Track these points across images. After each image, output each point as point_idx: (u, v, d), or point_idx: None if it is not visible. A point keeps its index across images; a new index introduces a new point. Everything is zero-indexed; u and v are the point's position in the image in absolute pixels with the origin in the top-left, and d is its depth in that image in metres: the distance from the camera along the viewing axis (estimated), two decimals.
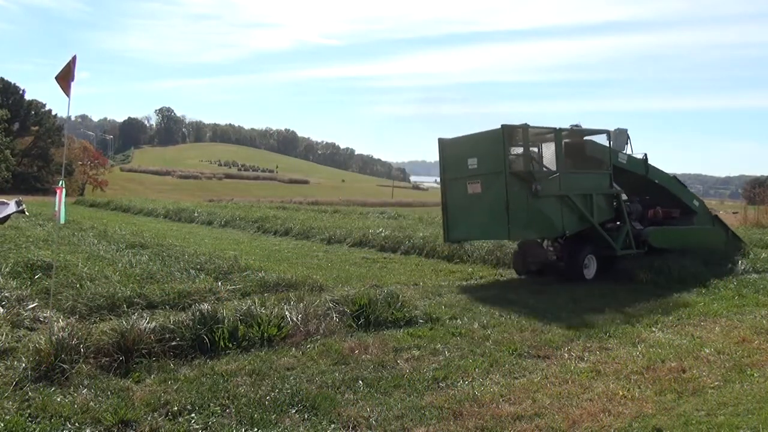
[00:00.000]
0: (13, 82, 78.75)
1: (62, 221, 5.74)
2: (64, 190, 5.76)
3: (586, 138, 10.80)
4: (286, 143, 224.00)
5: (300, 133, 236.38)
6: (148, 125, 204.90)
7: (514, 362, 5.61)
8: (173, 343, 5.57)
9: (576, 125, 10.73)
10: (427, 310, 7.33)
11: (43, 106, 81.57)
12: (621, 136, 11.42)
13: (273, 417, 4.29)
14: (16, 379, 4.68)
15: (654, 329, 6.85)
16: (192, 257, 10.46)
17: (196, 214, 24.26)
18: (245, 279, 8.69)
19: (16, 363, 5.00)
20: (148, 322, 5.68)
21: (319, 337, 6.19)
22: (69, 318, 6.20)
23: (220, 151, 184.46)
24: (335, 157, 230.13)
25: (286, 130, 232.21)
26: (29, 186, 68.73)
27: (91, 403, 4.34)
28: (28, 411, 4.21)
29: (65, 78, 5.66)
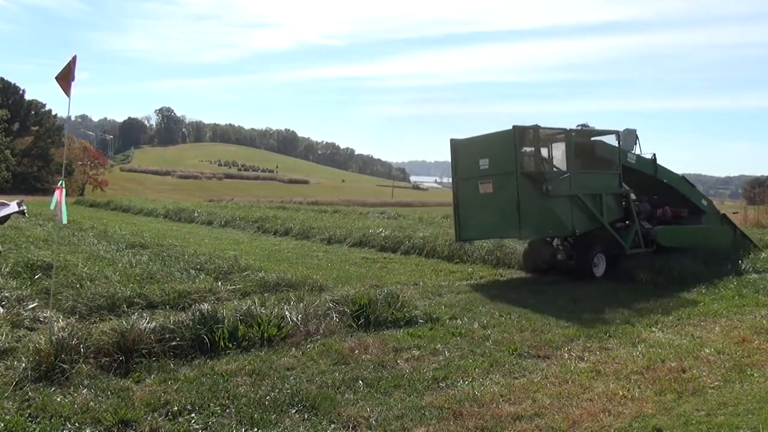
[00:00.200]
0: (13, 82, 78.90)
1: (64, 221, 5.75)
2: (64, 189, 5.76)
3: (595, 138, 10.89)
4: (286, 143, 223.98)
5: (300, 133, 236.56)
6: (148, 125, 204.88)
7: (514, 362, 5.60)
8: (173, 343, 5.56)
9: (584, 125, 10.84)
10: (427, 310, 7.33)
11: (43, 106, 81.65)
12: (630, 137, 11.53)
13: (273, 417, 4.29)
14: (16, 379, 4.68)
15: (654, 329, 6.85)
16: (192, 257, 10.46)
17: (196, 214, 24.26)
18: (245, 279, 8.69)
19: (16, 363, 5.00)
20: (148, 322, 5.68)
21: (319, 337, 6.20)
22: (69, 318, 6.19)
23: (220, 151, 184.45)
24: (335, 157, 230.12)
25: (286, 130, 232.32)
26: (29, 186, 68.76)
27: (91, 403, 4.34)
28: (28, 411, 4.21)
29: (65, 78, 5.66)
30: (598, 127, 11.04)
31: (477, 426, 4.20)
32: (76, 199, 46.50)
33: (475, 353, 5.83)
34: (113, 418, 4.13)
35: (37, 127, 79.76)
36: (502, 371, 5.36)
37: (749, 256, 11.51)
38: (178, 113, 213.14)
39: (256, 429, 4.13)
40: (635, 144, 11.58)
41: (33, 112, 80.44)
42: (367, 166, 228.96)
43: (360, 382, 5.01)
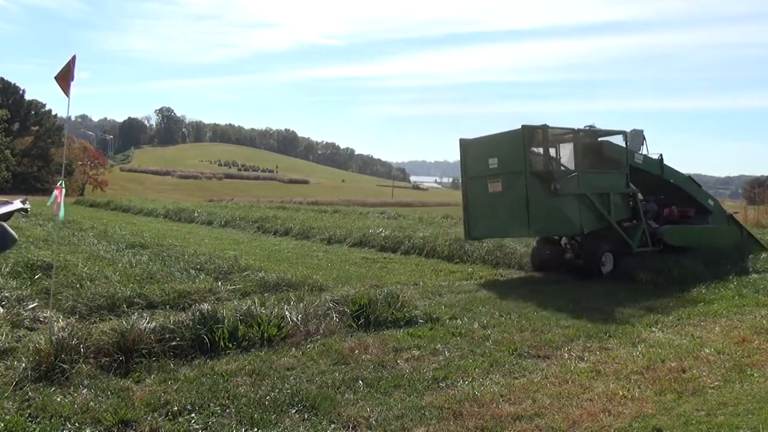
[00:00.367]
0: (13, 82, 78.88)
1: (61, 216, 5.77)
2: (63, 189, 5.77)
3: (602, 139, 11.00)
4: (286, 143, 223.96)
5: (300, 133, 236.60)
6: (148, 125, 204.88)
7: (514, 362, 5.60)
8: (173, 343, 5.56)
9: (591, 126, 10.96)
10: (427, 310, 7.32)
11: (43, 106, 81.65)
12: (637, 137, 11.68)
13: (273, 417, 4.29)
14: (16, 379, 4.67)
15: (654, 329, 6.85)
16: (192, 257, 10.46)
17: (196, 214, 24.26)
18: (245, 279, 8.69)
19: (16, 363, 5.00)
20: (148, 322, 5.67)
21: (319, 337, 6.19)
22: (69, 318, 6.20)
23: (220, 151, 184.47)
24: (335, 157, 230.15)
25: (286, 130, 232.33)
26: (29, 186, 68.72)
27: (91, 403, 4.34)
28: (28, 411, 4.20)
29: (65, 78, 5.66)
30: (600, 127, 11.11)
31: (477, 426, 4.20)
32: (76, 199, 46.51)
33: (475, 353, 5.82)
34: (113, 418, 4.12)
35: (37, 127, 79.74)
36: (502, 371, 5.36)
37: (754, 256, 11.54)
38: (178, 113, 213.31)
39: (256, 429, 4.12)
40: (642, 144, 11.74)
41: (33, 112, 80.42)
42: (367, 166, 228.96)
43: (360, 382, 5.01)
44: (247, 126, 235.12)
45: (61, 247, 11.61)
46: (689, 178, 12.46)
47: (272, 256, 12.88)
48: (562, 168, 10.40)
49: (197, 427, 4.12)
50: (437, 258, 12.60)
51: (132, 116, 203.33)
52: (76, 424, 4.08)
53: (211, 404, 4.46)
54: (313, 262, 12.08)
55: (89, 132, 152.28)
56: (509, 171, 10.00)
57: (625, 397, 4.73)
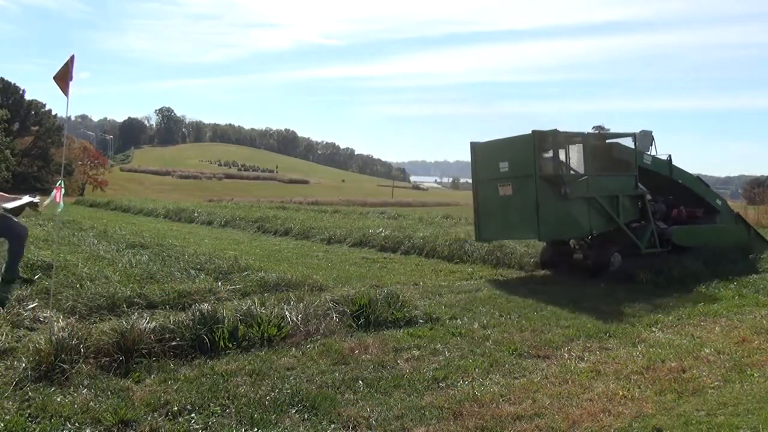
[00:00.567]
0: (13, 82, 78.74)
1: (61, 206, 5.80)
2: (63, 189, 5.78)
3: (611, 141, 11.09)
4: (286, 143, 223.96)
5: (300, 133, 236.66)
6: (148, 125, 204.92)
7: (514, 362, 5.60)
8: (173, 343, 5.56)
9: (600, 127, 11.03)
10: (427, 310, 7.32)
11: (43, 106, 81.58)
12: (646, 138, 11.75)
13: (273, 417, 4.28)
14: (16, 379, 4.67)
15: (654, 329, 6.85)
16: (192, 257, 10.45)
17: (196, 214, 24.25)
18: (245, 279, 8.69)
19: (16, 363, 5.00)
20: (148, 322, 5.67)
21: (319, 337, 6.19)
22: (69, 318, 6.19)
23: (220, 151, 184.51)
24: (335, 157, 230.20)
25: (286, 130, 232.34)
26: (29, 186, 68.49)
27: (91, 403, 4.33)
28: (28, 411, 4.20)
29: (63, 78, 5.65)
30: (608, 127, 11.24)
31: (477, 426, 4.20)
32: (76, 199, 46.52)
33: (475, 353, 5.82)
34: (113, 418, 4.12)
35: (37, 127, 79.68)
36: (502, 371, 5.36)
37: (757, 256, 11.55)
38: (178, 113, 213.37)
39: (256, 429, 4.12)
40: (651, 145, 11.78)
41: (33, 112, 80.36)
42: (367, 166, 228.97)
43: (360, 382, 5.01)
44: (247, 126, 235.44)
45: (61, 247, 11.60)
46: (698, 179, 12.57)
47: (272, 256, 12.88)
48: (572, 171, 10.50)
49: (197, 427, 4.12)
50: (437, 258, 12.59)
51: (132, 116, 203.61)
52: (76, 424, 4.08)
53: (211, 404, 4.46)
54: (313, 262, 12.08)
55: (89, 132, 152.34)
56: (520, 175, 10.13)
57: (625, 397, 4.73)
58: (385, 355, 5.71)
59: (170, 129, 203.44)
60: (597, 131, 11.03)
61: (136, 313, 6.21)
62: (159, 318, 6.01)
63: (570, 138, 10.60)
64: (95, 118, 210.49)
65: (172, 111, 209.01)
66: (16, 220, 7.83)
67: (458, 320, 7.10)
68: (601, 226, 10.51)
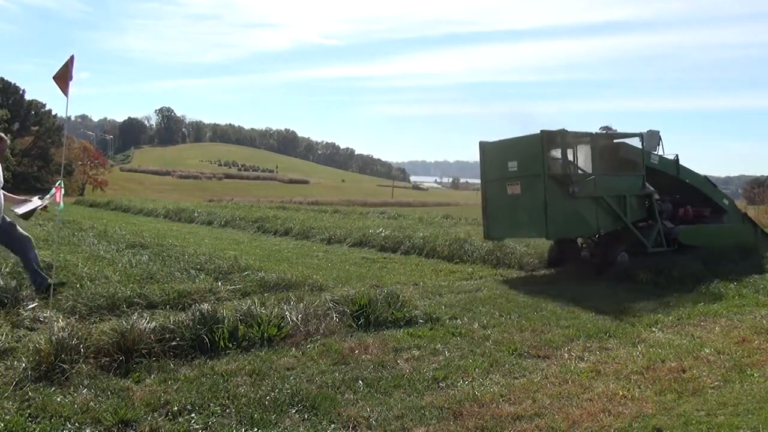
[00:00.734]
0: (13, 82, 78.98)
1: (61, 207, 5.81)
2: (62, 189, 5.79)
3: (618, 141, 11.17)
4: (286, 143, 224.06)
5: (300, 133, 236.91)
6: (148, 125, 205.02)
7: (514, 362, 5.60)
8: (173, 343, 5.56)
9: (607, 127, 11.09)
10: (427, 310, 7.32)
11: (43, 106, 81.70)
12: (653, 138, 11.81)
13: (273, 417, 4.28)
14: (16, 379, 4.67)
15: (654, 329, 6.84)
16: (192, 257, 10.45)
17: (196, 214, 24.25)
18: (245, 279, 8.69)
19: (16, 363, 5.00)
20: (148, 322, 5.67)
21: (319, 337, 6.19)
22: (69, 318, 6.19)
23: (220, 151, 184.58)
24: (335, 157, 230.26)
25: (286, 130, 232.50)
26: (29, 186, 68.61)
27: (91, 403, 4.33)
28: (28, 411, 4.20)
29: (63, 78, 5.66)
30: (615, 127, 11.30)
31: (477, 426, 4.20)
32: (76, 199, 46.54)
33: (475, 353, 5.82)
34: (113, 418, 4.12)
35: (37, 127, 79.80)
36: (502, 371, 5.35)
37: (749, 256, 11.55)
38: (178, 113, 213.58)
39: (256, 429, 4.12)
40: (658, 145, 11.84)
41: (33, 112, 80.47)
42: (367, 166, 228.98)
43: (360, 382, 5.01)
44: (247, 126, 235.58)
45: (61, 247, 11.60)
46: (705, 178, 12.61)
47: (272, 256, 12.88)
48: (580, 171, 10.58)
49: (197, 427, 4.12)
50: (437, 258, 12.59)
51: (132, 116, 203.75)
52: (76, 424, 4.07)
53: (211, 404, 4.46)
54: (313, 262, 12.08)
55: (89, 132, 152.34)
56: (528, 174, 10.21)
57: (625, 397, 4.72)
58: (385, 355, 5.71)
59: (170, 129, 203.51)
60: (604, 131, 11.06)
61: (136, 313, 6.20)
62: (159, 318, 6.01)
63: (578, 138, 10.68)
64: (95, 118, 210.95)
65: (172, 111, 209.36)
66: (20, 230, 7.77)
67: (458, 320, 7.10)
68: (609, 225, 10.62)
